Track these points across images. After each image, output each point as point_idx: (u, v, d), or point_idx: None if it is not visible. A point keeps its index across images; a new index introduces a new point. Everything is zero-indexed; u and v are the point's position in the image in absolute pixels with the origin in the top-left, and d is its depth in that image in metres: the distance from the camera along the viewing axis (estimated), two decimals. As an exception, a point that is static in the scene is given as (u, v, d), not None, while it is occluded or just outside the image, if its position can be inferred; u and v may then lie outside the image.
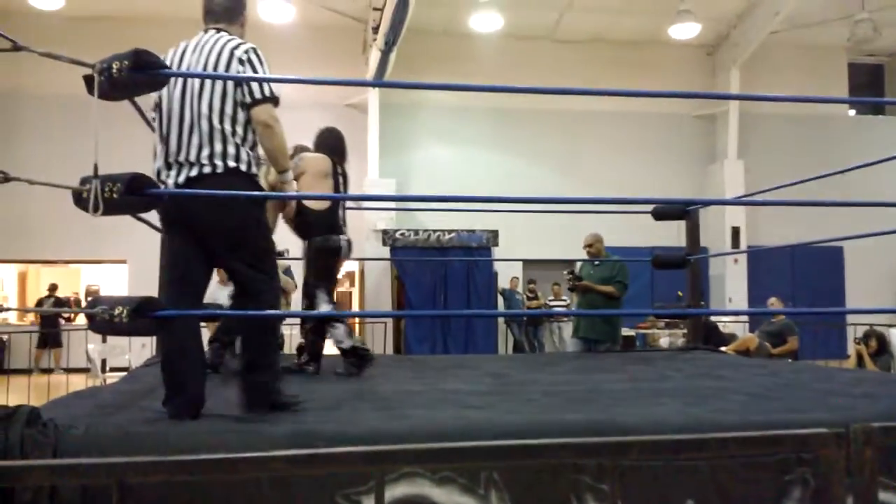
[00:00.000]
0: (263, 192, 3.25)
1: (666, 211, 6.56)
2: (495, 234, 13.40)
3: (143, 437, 2.52)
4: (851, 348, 8.58)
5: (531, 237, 13.25)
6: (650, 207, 6.48)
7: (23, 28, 13.41)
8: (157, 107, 3.08)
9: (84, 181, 2.78)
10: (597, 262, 7.01)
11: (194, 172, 2.94)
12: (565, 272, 7.14)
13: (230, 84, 2.95)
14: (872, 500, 1.48)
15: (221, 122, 2.93)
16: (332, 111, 14.98)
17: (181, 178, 2.95)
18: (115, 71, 2.73)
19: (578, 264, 7.14)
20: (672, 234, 11.02)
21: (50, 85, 12.48)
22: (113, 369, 9.62)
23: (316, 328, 4.84)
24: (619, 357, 6.30)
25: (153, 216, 3.53)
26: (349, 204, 5.70)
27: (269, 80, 3.05)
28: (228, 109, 2.95)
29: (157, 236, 5.63)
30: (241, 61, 2.96)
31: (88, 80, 2.78)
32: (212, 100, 2.93)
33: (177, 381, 2.93)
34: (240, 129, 2.96)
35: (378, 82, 12.76)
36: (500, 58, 15.36)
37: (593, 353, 6.66)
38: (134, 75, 2.76)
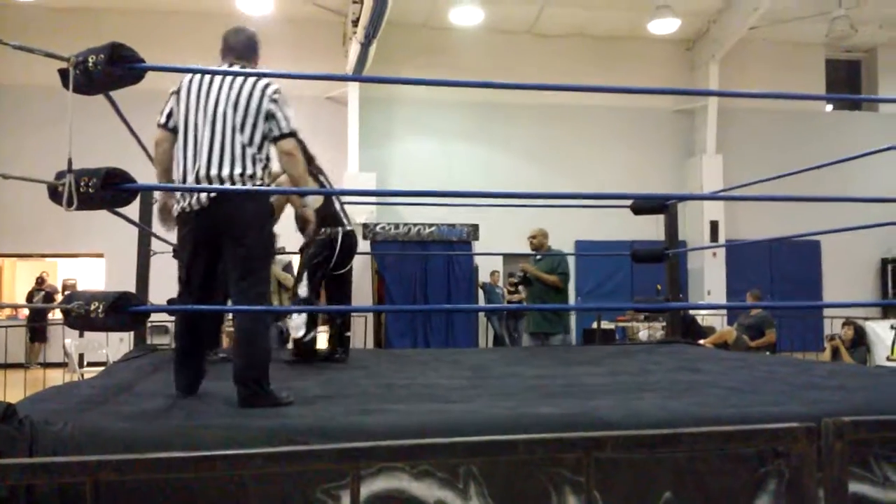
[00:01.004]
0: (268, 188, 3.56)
1: (645, 205, 6.60)
2: (476, 228, 13.40)
3: (121, 433, 2.50)
4: (827, 343, 8.66)
5: (511, 231, 13.21)
6: (629, 202, 6.52)
7: (0, 19, 13.28)
8: (178, 117, 3.39)
9: (59, 175, 2.76)
10: (538, 257, 7.27)
11: (215, 193, 3.24)
12: (520, 268, 7.54)
13: (261, 118, 3.33)
14: (843, 493, 1.50)
15: (251, 146, 3.32)
16: (312, 104, 14.91)
17: (212, 195, 3.24)
18: (90, 65, 2.70)
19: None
20: (651, 228, 11.08)
21: (27, 76, 12.36)
22: (90, 364, 9.54)
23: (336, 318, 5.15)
24: (598, 350, 6.34)
25: (130, 210, 3.51)
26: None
27: (251, 74, 3.37)
28: (256, 139, 3.33)
29: (135, 231, 5.63)
30: (271, 100, 3.35)
31: (64, 74, 2.75)
32: (243, 126, 3.30)
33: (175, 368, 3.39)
34: (263, 154, 3.37)
35: (358, 77, 12.72)
36: (481, 51, 15.35)
37: (550, 346, 6.93)
38: (110, 69, 2.73)
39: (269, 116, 3.34)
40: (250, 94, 3.32)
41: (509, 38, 15.79)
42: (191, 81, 3.39)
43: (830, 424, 1.51)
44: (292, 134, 3.40)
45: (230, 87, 3.33)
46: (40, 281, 15.46)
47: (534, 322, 7.35)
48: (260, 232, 3.34)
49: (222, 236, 3.28)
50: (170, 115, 3.44)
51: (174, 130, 3.39)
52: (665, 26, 14.69)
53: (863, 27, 14.91)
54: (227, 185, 3.25)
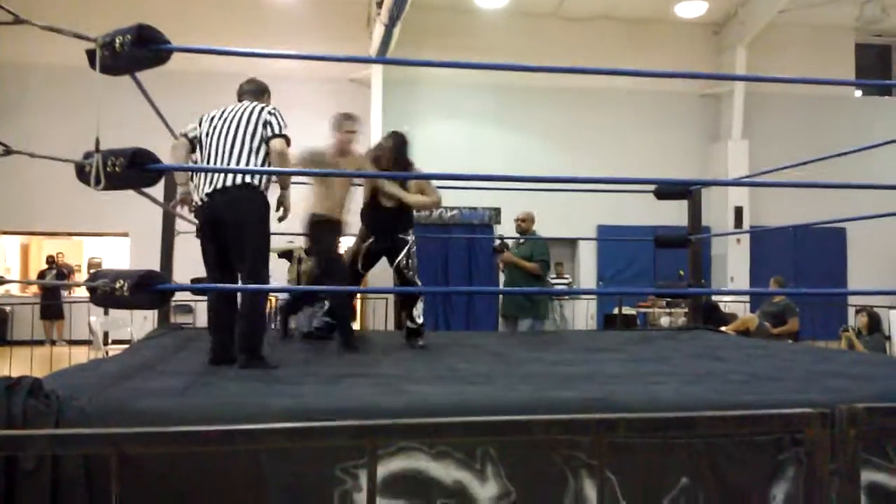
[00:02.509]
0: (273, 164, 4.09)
1: (668, 190, 6.57)
2: (498, 211, 13.38)
3: (144, 409, 2.54)
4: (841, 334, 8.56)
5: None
6: (653, 186, 6.48)
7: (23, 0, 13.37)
8: (199, 140, 4.10)
9: (87, 155, 2.79)
10: (521, 241, 7.33)
11: (220, 184, 3.89)
12: (497, 239, 7.55)
13: (260, 125, 4.01)
14: (856, 480, 1.50)
15: (251, 151, 3.98)
16: (336, 85, 14.93)
17: (217, 186, 3.89)
18: (117, 46, 2.73)
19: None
20: (675, 214, 11.02)
21: (53, 56, 12.44)
22: (115, 342, 9.68)
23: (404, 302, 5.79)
24: (619, 336, 6.33)
25: (155, 190, 3.57)
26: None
27: (276, 56, 3.30)
28: (255, 144, 4.00)
29: (159, 210, 5.69)
30: (269, 113, 4.06)
31: (91, 54, 2.78)
32: (245, 136, 3.98)
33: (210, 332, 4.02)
34: (260, 158, 4.02)
35: (382, 59, 12.70)
36: (506, 34, 15.26)
37: (528, 334, 6.89)
38: (136, 51, 2.76)
39: (266, 123, 4.02)
40: (252, 112, 4.05)
41: (534, 20, 15.67)
42: (211, 115, 4.13)
43: (844, 411, 1.50)
44: (283, 136, 4.03)
45: (237, 115, 4.05)
46: (51, 260, 15.74)
47: (504, 305, 7.49)
48: (257, 224, 3.94)
49: (224, 225, 3.90)
50: (193, 131, 4.13)
51: (192, 141, 4.11)
52: (692, 9, 14.54)
53: (894, 11, 14.64)
54: (222, 183, 3.89)
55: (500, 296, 7.78)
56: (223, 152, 3.96)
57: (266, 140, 4.00)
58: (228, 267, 4.02)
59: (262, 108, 4.07)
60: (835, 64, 16.39)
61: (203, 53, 3.35)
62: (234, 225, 3.89)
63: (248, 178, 3.92)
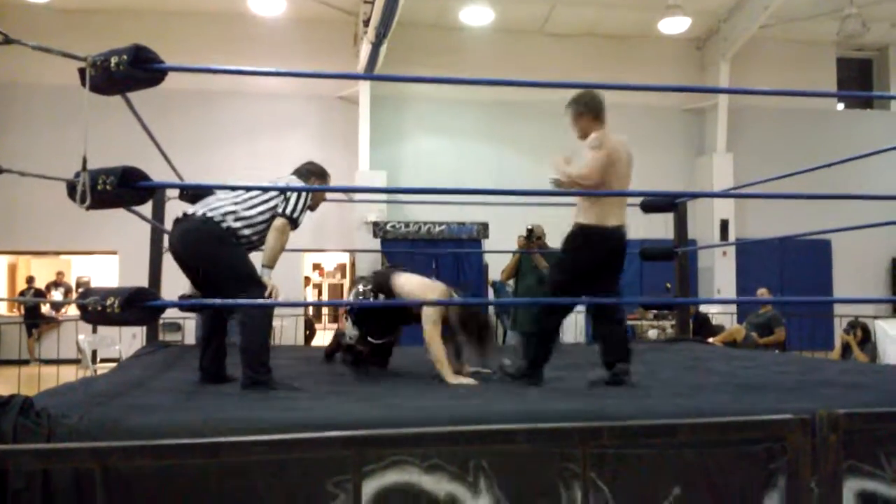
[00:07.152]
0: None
1: (654, 203, 6.59)
2: (485, 226, 13.41)
3: (134, 425, 2.53)
4: (838, 339, 8.67)
5: (521, 229, 13.24)
6: (639, 200, 6.51)
7: (13, 20, 13.35)
8: None
9: (78, 174, 2.80)
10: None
11: (182, 214, 3.90)
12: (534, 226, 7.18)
13: (279, 197, 3.91)
14: (838, 485, 1.50)
15: (250, 209, 3.86)
16: (324, 103, 14.97)
17: (179, 216, 3.89)
18: (113, 66, 2.73)
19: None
20: (660, 227, 11.07)
21: (41, 76, 12.45)
22: (103, 360, 9.62)
23: None
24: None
25: (143, 208, 3.56)
26: (340, 196, 5.86)
27: (266, 73, 3.30)
28: (264, 207, 3.88)
29: (147, 228, 5.68)
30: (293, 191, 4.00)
31: (82, 73, 2.79)
32: (262, 196, 3.89)
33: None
34: (255, 221, 3.85)
35: (369, 75, 12.75)
36: (491, 51, 15.33)
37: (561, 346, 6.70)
38: (133, 71, 2.77)
39: (286, 199, 3.91)
40: (282, 181, 4.14)
41: (519, 37, 15.76)
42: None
43: (824, 416, 1.52)
44: (290, 219, 3.88)
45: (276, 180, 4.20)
46: (29, 280, 15.92)
47: (519, 322, 7.01)
48: (214, 254, 3.75)
49: (175, 254, 3.90)
50: None
51: None
52: (675, 25, 14.64)
53: (874, 25, 14.81)
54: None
55: (514, 311, 7.22)
56: (232, 193, 3.89)
57: (274, 212, 3.85)
58: (211, 287, 3.81)
59: (291, 183, 4.03)
60: (816, 78, 16.54)
61: (197, 72, 3.37)
62: (183, 254, 3.81)
63: (210, 213, 3.76)
